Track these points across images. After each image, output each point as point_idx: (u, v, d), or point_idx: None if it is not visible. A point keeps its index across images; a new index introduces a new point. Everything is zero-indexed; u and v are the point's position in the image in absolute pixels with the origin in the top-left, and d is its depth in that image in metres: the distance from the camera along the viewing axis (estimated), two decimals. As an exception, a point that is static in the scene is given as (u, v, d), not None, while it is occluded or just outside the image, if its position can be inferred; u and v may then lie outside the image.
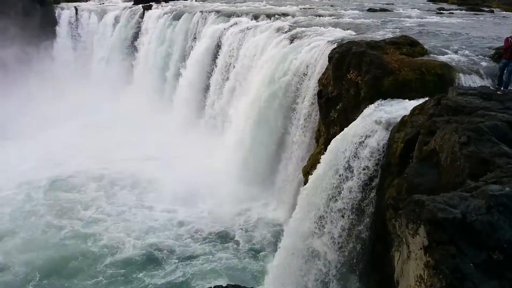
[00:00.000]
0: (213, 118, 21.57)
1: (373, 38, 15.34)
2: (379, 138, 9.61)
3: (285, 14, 23.61)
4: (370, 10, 28.53)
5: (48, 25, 32.47)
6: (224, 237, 15.09)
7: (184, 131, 22.08)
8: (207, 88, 22.58)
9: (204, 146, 20.05)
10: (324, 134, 13.67)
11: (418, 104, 9.48)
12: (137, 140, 22.21)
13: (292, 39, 17.66)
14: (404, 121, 9.29)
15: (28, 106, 27.09)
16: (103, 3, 36.22)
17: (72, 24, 32.58)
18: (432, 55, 13.02)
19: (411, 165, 8.10)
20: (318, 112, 14.17)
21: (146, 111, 24.78)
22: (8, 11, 31.11)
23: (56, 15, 33.00)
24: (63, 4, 34.24)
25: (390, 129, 9.58)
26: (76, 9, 33.07)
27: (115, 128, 23.91)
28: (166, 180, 18.22)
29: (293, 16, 23.39)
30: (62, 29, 32.74)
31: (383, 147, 9.57)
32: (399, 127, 9.27)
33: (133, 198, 17.79)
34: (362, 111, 10.92)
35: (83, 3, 35.73)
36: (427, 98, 9.54)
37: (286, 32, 18.88)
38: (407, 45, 13.30)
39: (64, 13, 33.01)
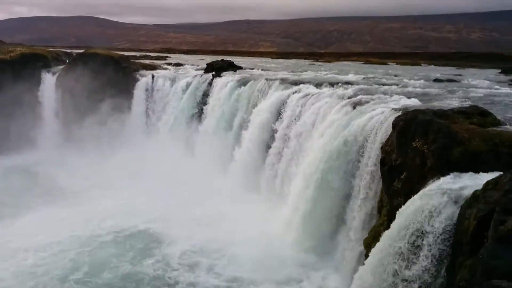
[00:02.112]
0: (272, 184, 21.54)
1: (440, 107, 14.92)
2: (448, 213, 8.92)
3: (348, 83, 23.91)
4: (436, 80, 28.11)
5: (128, 90, 35.59)
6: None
7: (242, 197, 22.21)
8: (266, 153, 22.86)
9: (261, 213, 19.92)
10: (386, 205, 13.03)
11: (492, 178, 8.79)
12: (196, 204, 22.50)
13: (354, 106, 17.68)
14: (476, 196, 8.61)
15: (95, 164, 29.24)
16: (177, 71, 39.22)
17: (148, 89, 35.40)
18: (505, 126, 12.29)
19: (486, 246, 7.34)
20: (381, 180, 13.65)
21: (205, 175, 25.37)
22: (101, 76, 35.15)
23: (136, 81, 36.12)
24: (142, 72, 37.58)
25: (460, 205, 8.90)
26: (153, 76, 36.05)
27: (177, 192, 24.48)
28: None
29: (356, 84, 23.61)
30: (138, 93, 35.62)
31: (453, 224, 8.84)
32: (470, 203, 8.58)
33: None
34: (429, 182, 10.34)
35: (161, 71, 38.95)
36: (501, 172, 8.84)
37: (348, 98, 19.00)
38: (477, 115, 12.70)
39: (142, 79, 36.09)
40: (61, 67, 39.15)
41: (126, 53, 54.61)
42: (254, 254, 17.29)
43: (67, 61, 41.96)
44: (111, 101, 33.95)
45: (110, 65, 37.16)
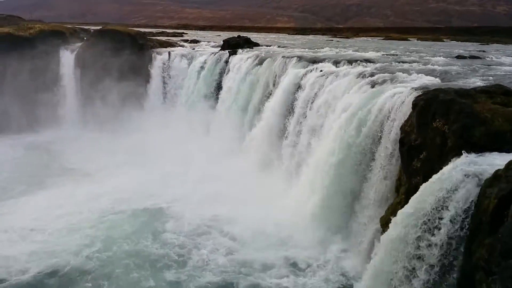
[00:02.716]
0: (289, 161, 21.65)
1: (462, 86, 14.62)
2: (469, 192, 8.91)
3: (367, 60, 23.52)
4: (459, 57, 27.40)
5: (145, 68, 35.74)
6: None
7: (257, 175, 22.40)
8: (284, 131, 22.89)
9: (278, 188, 20.08)
10: (405, 184, 13.04)
11: (514, 158, 8.71)
12: (210, 182, 22.75)
13: (373, 85, 17.44)
14: (498, 175, 8.55)
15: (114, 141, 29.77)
16: (194, 48, 39.12)
17: (165, 67, 35.48)
18: (530, 105, 11.99)
19: (506, 225, 7.36)
20: (400, 160, 13.61)
21: (223, 153, 25.59)
22: (118, 53, 35.44)
23: (152, 59, 36.23)
24: (159, 49, 37.62)
25: (481, 184, 8.86)
26: (169, 54, 36.05)
27: (191, 169, 24.77)
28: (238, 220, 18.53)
29: (376, 62, 23.21)
30: (155, 71, 35.77)
31: (473, 203, 8.83)
32: (492, 182, 8.54)
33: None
34: (449, 162, 10.28)
35: (177, 48, 38.91)
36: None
37: (367, 77, 18.75)
38: (500, 94, 12.42)
39: (159, 57, 36.14)
40: (79, 44, 39.39)
41: (142, 30, 54.57)
42: (267, 231, 17.58)
43: (84, 38, 42.16)
44: (128, 79, 34.19)
45: (127, 42, 37.20)
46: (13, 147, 31.28)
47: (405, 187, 12.94)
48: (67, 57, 37.83)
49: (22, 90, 35.14)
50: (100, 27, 46.46)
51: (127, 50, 36.26)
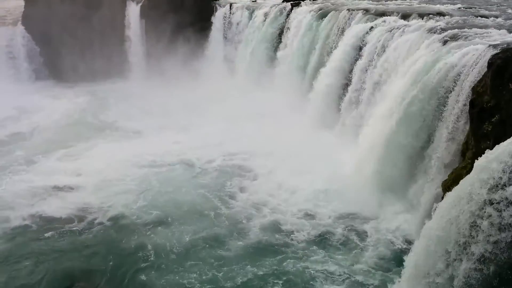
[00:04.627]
0: (350, 119, 21.22)
1: (548, 43, 13.22)
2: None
3: (440, 14, 21.79)
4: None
5: (206, 21, 35.83)
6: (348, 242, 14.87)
7: (318, 131, 22.21)
8: (346, 88, 22.27)
9: (337, 147, 19.93)
10: (472, 148, 12.38)
11: None
12: (268, 136, 23.01)
13: (445, 41, 16.24)
14: None
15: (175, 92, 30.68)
16: (255, 1, 38.36)
17: (226, 21, 35.34)
18: None
19: None
20: (468, 122, 12.86)
21: (283, 107, 25.54)
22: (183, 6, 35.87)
23: (214, 11, 36.16)
24: (221, 1, 37.36)
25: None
26: (231, 6, 35.71)
27: (250, 122, 25.15)
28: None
29: (450, 15, 21.44)
30: (216, 23, 35.78)
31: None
32: None
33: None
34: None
35: (239, 0, 38.38)
36: None
37: (439, 33, 17.45)
38: None
39: (220, 9, 35.96)
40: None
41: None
42: (326, 189, 17.70)
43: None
44: (190, 31, 34.64)
45: (189, -7, 37.20)
46: (80, 95, 33.28)
47: (472, 151, 12.30)
48: (133, 9, 38.74)
49: (88, 41, 36.62)
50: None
51: (189, 2, 36.39)
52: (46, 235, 15.26)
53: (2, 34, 35.91)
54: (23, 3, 37.31)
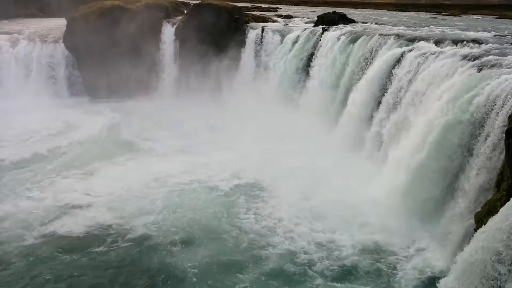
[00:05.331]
0: (378, 145, 20.87)
1: None
2: None
3: (475, 41, 21.38)
4: None
5: (239, 42, 36.56)
6: (372, 272, 14.30)
7: (345, 155, 21.97)
8: (375, 112, 21.98)
9: (363, 173, 19.57)
10: (508, 179, 11.88)
11: None
12: (294, 159, 22.94)
13: (480, 68, 15.89)
14: None
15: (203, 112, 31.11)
16: (287, 24, 38.87)
17: (258, 41, 35.88)
18: None
19: None
20: (504, 153, 12.38)
21: (312, 129, 25.45)
22: (215, 28, 36.83)
23: (246, 33, 36.86)
24: (253, 24, 38.05)
25: None
26: (263, 29, 36.28)
27: (278, 144, 25.24)
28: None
29: (486, 43, 21.01)
30: (248, 45, 36.37)
31: None
32: None
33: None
34: None
35: (271, 23, 39.00)
36: None
37: (474, 60, 17.09)
38: None
39: (252, 31, 36.60)
40: (179, 17, 41.31)
41: (238, 4, 55.43)
42: (350, 215, 17.24)
43: (185, 11, 44.03)
44: (222, 53, 35.29)
45: (223, 16, 38.06)
46: (112, 112, 34.26)
47: (507, 183, 11.81)
48: (168, 30, 39.92)
49: (126, 61, 37.92)
50: (199, 1, 48.11)
51: (223, 25, 37.25)
52: (64, 254, 15.13)
53: (44, 51, 37.72)
54: (65, 23, 39.16)
